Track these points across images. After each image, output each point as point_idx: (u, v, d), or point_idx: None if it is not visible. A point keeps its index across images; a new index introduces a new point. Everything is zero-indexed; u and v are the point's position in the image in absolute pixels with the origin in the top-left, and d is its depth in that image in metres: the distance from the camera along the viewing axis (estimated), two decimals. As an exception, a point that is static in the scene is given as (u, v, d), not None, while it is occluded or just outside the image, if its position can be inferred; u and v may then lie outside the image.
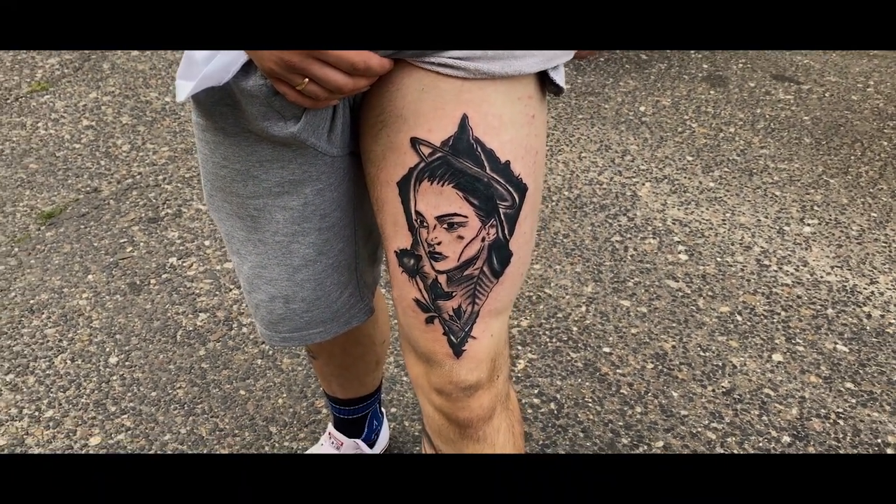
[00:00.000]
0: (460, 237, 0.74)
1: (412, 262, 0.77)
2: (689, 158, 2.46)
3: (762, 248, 2.05)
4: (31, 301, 1.76)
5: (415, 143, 0.71)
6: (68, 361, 1.61)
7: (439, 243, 0.74)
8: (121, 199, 2.11)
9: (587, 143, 2.52)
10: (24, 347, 1.64)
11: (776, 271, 1.97)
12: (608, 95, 2.83)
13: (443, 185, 0.72)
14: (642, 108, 2.75)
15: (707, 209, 2.21)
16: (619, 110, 2.73)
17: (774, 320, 1.81)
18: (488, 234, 0.74)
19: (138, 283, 1.83)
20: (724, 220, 2.17)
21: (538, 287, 1.89)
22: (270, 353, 1.64)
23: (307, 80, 0.66)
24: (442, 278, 0.76)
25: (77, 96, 2.59)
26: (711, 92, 2.88)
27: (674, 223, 2.15)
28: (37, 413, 1.50)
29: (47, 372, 1.59)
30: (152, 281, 1.84)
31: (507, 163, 0.72)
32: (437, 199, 0.72)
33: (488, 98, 0.70)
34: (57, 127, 2.42)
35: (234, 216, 0.87)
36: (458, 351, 0.81)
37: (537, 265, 1.96)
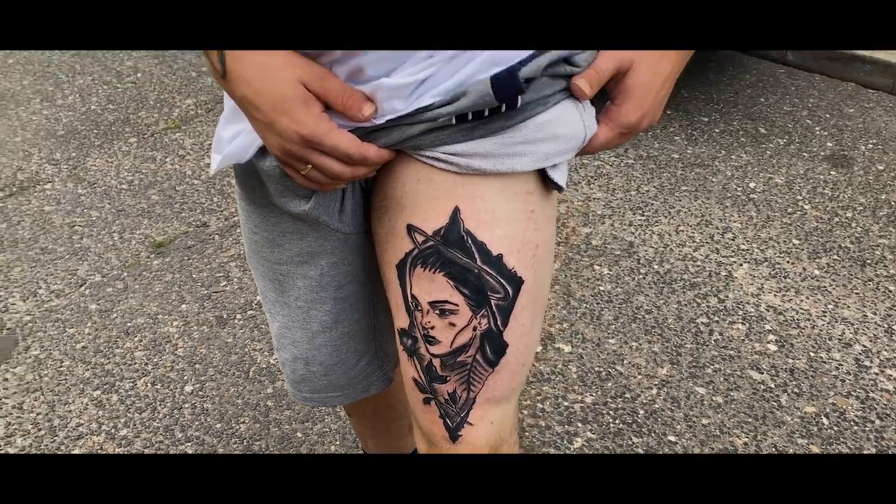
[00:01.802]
0: (452, 324, 0.75)
1: (410, 342, 0.79)
2: (796, 242, 2.33)
3: (864, 346, 1.90)
4: (129, 324, 1.91)
5: (410, 229, 0.73)
6: (149, 385, 1.74)
7: (433, 328, 0.76)
8: (225, 234, 2.26)
9: (687, 217, 2.44)
10: (114, 367, 1.78)
11: (877, 374, 1.81)
12: (717, 168, 2.74)
13: (434, 273, 0.73)
14: (752, 185, 2.64)
15: (807, 298, 2.08)
16: (726, 185, 2.63)
17: (867, 428, 1.66)
18: (480, 323, 0.75)
19: (225, 316, 1.95)
20: (824, 311, 2.03)
21: (609, 363, 1.84)
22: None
23: (309, 166, 0.70)
24: (436, 362, 0.77)
25: (204, 135, 2.82)
26: (832, 172, 2.72)
27: (768, 310, 2.03)
28: (113, 430, 1.62)
29: (129, 392, 1.71)
30: (238, 316, 1.95)
31: (500, 256, 0.72)
32: (430, 286, 0.74)
33: (481, 193, 0.71)
34: (182, 163, 2.63)
35: (266, 278, 0.92)
36: (453, 436, 0.81)
37: (612, 340, 1.91)
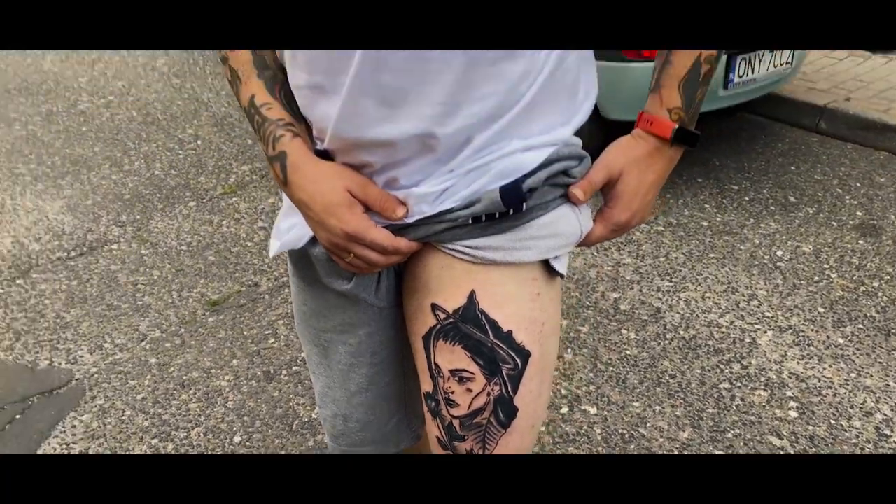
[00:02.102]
0: (469, 389, 0.87)
1: (433, 404, 0.91)
2: (821, 310, 2.39)
3: (885, 415, 1.95)
4: (185, 377, 2.07)
5: (434, 308, 0.86)
6: (201, 435, 1.88)
7: (452, 392, 0.88)
8: (274, 294, 2.43)
9: (714, 284, 2.53)
10: (170, 417, 1.94)
11: (897, 443, 1.86)
12: (746, 236, 2.82)
13: (454, 345, 0.86)
14: (780, 253, 2.72)
15: (830, 366, 2.14)
16: (754, 252, 2.72)
17: (885, 496, 1.71)
18: (493, 389, 0.87)
19: (272, 372, 2.09)
20: (847, 379, 2.08)
21: (633, 425, 1.93)
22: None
23: (352, 255, 0.84)
24: (456, 422, 0.90)
25: (258, 200, 3.02)
26: (860, 241, 2.78)
27: (790, 377, 2.10)
28: (168, 476, 1.76)
29: (183, 441, 1.86)
30: (283, 372, 2.10)
31: (510, 332, 0.85)
32: (451, 356, 0.87)
33: (494, 279, 0.84)
34: (237, 226, 2.83)
35: (312, 343, 1.06)
36: (472, 488, 0.93)
37: (637, 403, 2.00)
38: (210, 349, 2.17)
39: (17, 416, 1.93)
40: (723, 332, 2.29)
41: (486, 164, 0.80)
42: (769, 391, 2.05)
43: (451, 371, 0.87)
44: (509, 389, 0.87)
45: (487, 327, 0.85)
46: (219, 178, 3.20)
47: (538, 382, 0.90)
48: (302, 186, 0.83)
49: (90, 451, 1.83)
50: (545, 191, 0.82)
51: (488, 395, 0.88)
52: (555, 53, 0.79)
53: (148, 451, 1.83)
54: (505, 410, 0.88)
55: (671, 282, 2.54)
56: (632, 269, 2.61)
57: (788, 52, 3.28)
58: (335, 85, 0.77)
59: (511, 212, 0.81)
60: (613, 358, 2.17)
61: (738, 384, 2.07)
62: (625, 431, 1.91)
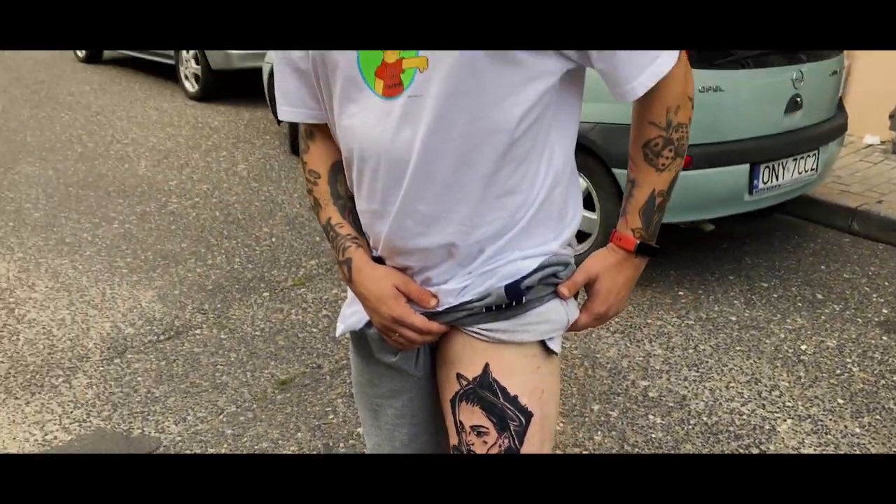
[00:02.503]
0: (485, 441, 1.14)
1: (459, 454, 1.18)
2: (841, 401, 2.55)
3: (896, 500, 2.08)
4: (256, 446, 2.36)
5: (458, 377, 1.14)
6: None
7: (472, 444, 1.15)
8: (335, 375, 2.72)
9: (738, 374, 2.71)
10: (242, 480, 2.22)
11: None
12: (772, 331, 3.01)
13: (473, 406, 1.13)
14: (804, 347, 2.89)
15: (847, 453, 2.29)
16: (779, 346, 2.90)
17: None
18: (503, 442, 1.13)
19: (331, 444, 2.36)
20: (861, 466, 2.23)
21: (654, 501, 2.11)
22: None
23: (397, 334, 1.14)
24: (475, 467, 1.16)
25: (323, 291, 3.37)
26: (884, 337, 2.94)
27: (806, 462, 2.25)
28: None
29: None
30: (341, 444, 2.36)
31: (516, 396, 1.12)
32: (471, 414, 1.14)
33: (503, 354, 1.12)
34: (304, 314, 3.17)
35: (366, 408, 1.35)
36: (489, 525, 1.18)
37: (659, 481, 2.19)
38: (278, 423, 2.46)
39: (114, 476, 2.24)
40: (744, 419, 2.46)
41: (495, 269, 1.09)
42: (785, 474, 2.20)
43: (472, 426, 1.14)
44: (516, 442, 1.13)
45: (498, 392, 1.12)
46: (289, 271, 3.57)
47: (539, 437, 1.16)
48: (362, 283, 1.14)
49: (174, 508, 2.11)
50: (539, 288, 1.11)
51: (500, 446, 1.14)
52: (545, 189, 1.09)
53: (223, 510, 2.10)
54: (513, 458, 1.14)
55: (698, 372, 2.73)
56: (661, 359, 2.82)
57: (813, 158, 3.53)
58: (386, 211, 1.09)
59: (514, 304, 1.09)
60: (639, 440, 2.37)
61: (756, 467, 2.24)
62: (646, 506, 2.09)
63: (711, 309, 3.20)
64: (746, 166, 3.22)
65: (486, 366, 1.12)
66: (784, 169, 3.41)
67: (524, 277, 1.10)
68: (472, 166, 1.04)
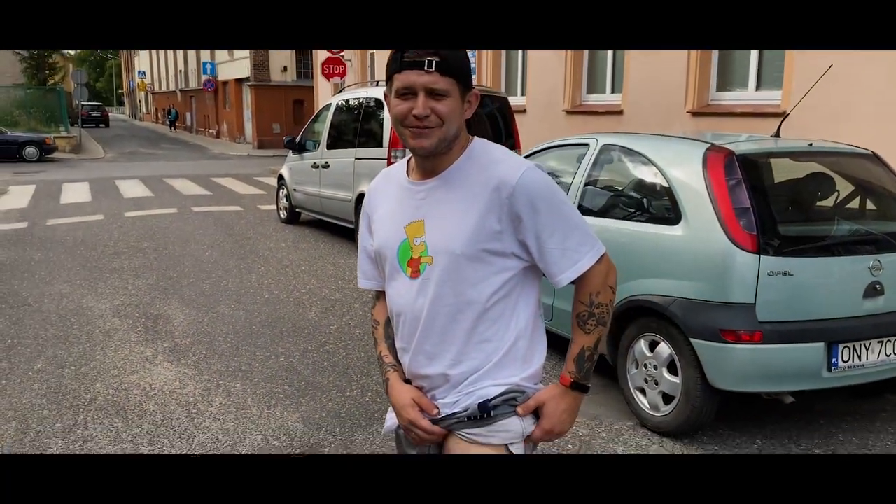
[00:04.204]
0: None
1: None
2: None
3: None
4: None
5: (450, 462, 1.68)
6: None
7: None
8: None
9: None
10: None
11: None
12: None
13: (456, 486, 1.66)
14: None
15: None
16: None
17: None
18: None
19: None
20: None
21: None
22: None
23: (413, 432, 1.71)
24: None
25: (434, 427, 3.95)
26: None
27: None
28: None
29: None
30: None
31: (484, 481, 1.64)
32: (455, 492, 1.66)
33: (479, 451, 1.65)
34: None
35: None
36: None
37: None
38: None
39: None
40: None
41: (474, 391, 1.66)
42: None
43: (457, 500, 1.66)
44: None
45: None
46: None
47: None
48: (392, 395, 1.74)
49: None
50: (503, 407, 1.65)
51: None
52: (510, 340, 1.66)
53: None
54: None
55: None
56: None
57: (903, 343, 3.69)
58: (409, 348, 1.71)
59: (484, 416, 1.64)
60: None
61: None
62: None
63: (786, 477, 3.37)
64: (822, 344, 3.47)
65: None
66: (868, 350, 3.60)
67: (492, 398, 1.65)
68: (459, 323, 1.64)
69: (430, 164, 1.63)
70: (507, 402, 1.66)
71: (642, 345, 3.89)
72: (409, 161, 1.72)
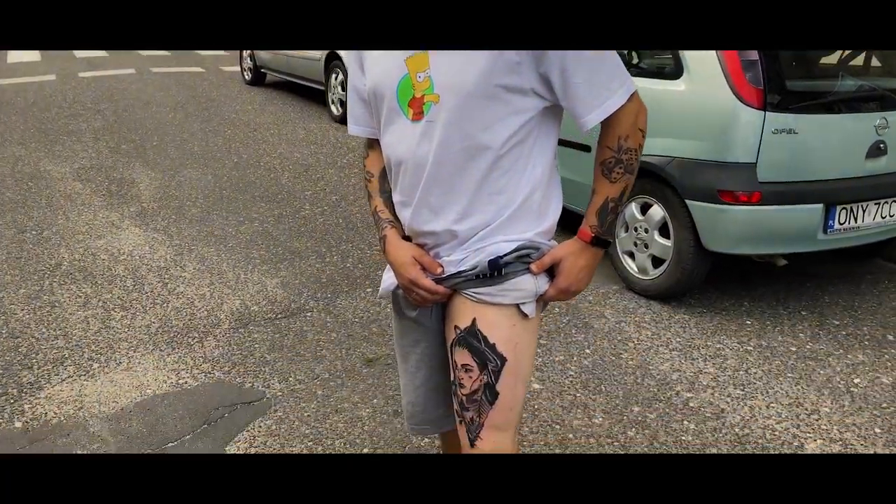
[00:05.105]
0: (470, 377, 1.52)
1: (454, 387, 1.57)
2: (878, 431, 2.68)
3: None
4: (338, 406, 2.83)
5: (455, 328, 1.54)
6: (342, 445, 2.61)
7: (461, 379, 1.54)
8: (414, 360, 3.16)
9: (782, 397, 2.89)
10: (324, 430, 2.69)
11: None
12: (829, 363, 3.14)
13: (463, 349, 1.52)
14: (857, 381, 3.01)
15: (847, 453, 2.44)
16: (831, 377, 3.03)
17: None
18: (483, 378, 1.51)
19: (399, 411, 2.79)
20: (878, 487, 2.37)
21: (669, 490, 2.37)
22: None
23: (414, 293, 1.55)
24: (464, 398, 1.54)
25: (418, 292, 3.84)
26: (944, 380, 2.99)
27: (825, 477, 2.43)
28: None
29: (328, 448, 2.59)
30: (408, 414, 2.79)
31: (494, 344, 1.50)
32: (461, 356, 1.53)
33: (487, 312, 1.50)
34: (398, 309, 3.65)
35: (398, 356, 1.77)
36: (472, 443, 1.56)
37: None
38: (360, 391, 2.93)
39: (226, 415, 2.78)
40: (774, 435, 2.66)
41: (483, 248, 1.49)
42: (800, 484, 2.39)
43: (462, 365, 1.53)
44: (493, 379, 1.51)
45: (481, 340, 1.51)
46: (392, 273, 4.08)
47: (513, 378, 1.52)
48: (390, 253, 1.57)
49: (266, 444, 2.61)
50: (515, 264, 1.49)
51: (481, 381, 1.52)
52: (525, 192, 1.47)
53: (304, 451, 2.58)
54: (491, 392, 1.52)
55: (743, 391, 2.94)
56: (711, 376, 3.04)
57: (899, 205, 3.60)
58: (410, 202, 1.52)
59: (495, 274, 1.48)
60: (669, 440, 2.63)
61: (774, 475, 2.44)
62: (660, 493, 2.36)
63: (774, 338, 3.36)
64: (820, 206, 3.37)
65: (474, 319, 1.51)
66: (864, 212, 3.51)
67: (504, 255, 1.48)
68: (468, 172, 1.44)
69: None
70: (520, 259, 1.49)
71: (633, 208, 3.76)
72: None
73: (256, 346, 3.29)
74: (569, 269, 1.51)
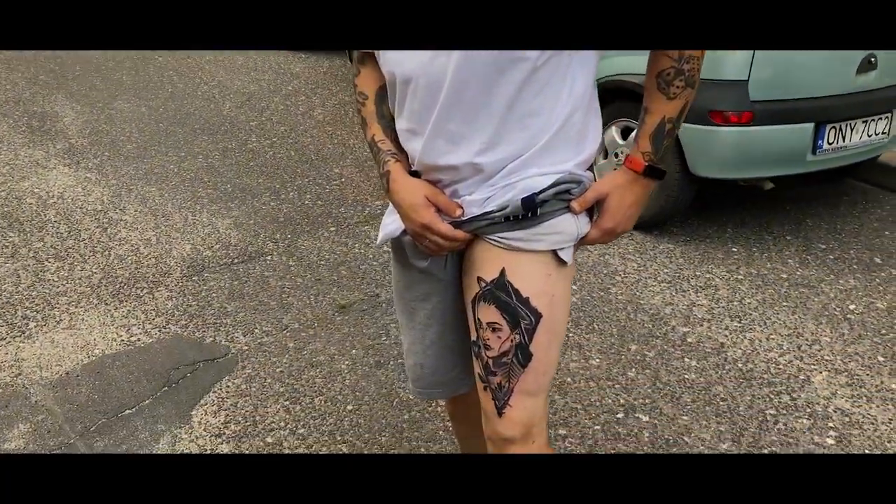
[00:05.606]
0: (499, 337, 1.28)
1: (476, 349, 1.33)
2: (881, 359, 2.58)
3: (920, 451, 2.14)
4: (314, 359, 2.58)
5: (478, 280, 1.29)
6: (323, 402, 2.37)
7: (488, 339, 1.30)
8: (390, 303, 2.92)
9: (780, 328, 2.77)
10: (300, 386, 2.44)
11: (926, 476, 2.05)
12: (822, 290, 3.03)
13: (490, 305, 1.28)
14: (852, 307, 2.91)
15: (878, 407, 2.34)
16: (826, 304, 2.92)
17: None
18: (514, 338, 1.28)
19: (381, 361, 2.57)
20: (891, 419, 2.28)
21: (678, 434, 2.23)
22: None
23: (427, 240, 1.29)
24: (490, 361, 1.31)
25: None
26: (938, 303, 2.92)
27: (836, 411, 2.32)
28: (294, 429, 2.26)
29: (308, 405, 2.36)
30: (391, 363, 2.56)
31: (527, 298, 1.26)
32: (487, 312, 1.28)
33: (519, 260, 1.25)
34: (366, 249, 3.37)
35: (402, 311, 1.51)
36: (500, 412, 1.33)
37: (686, 417, 2.30)
38: (335, 341, 2.68)
39: (188, 375, 2.50)
40: (779, 368, 2.53)
41: (514, 183, 1.23)
42: (812, 420, 2.28)
43: (488, 323, 1.29)
44: (526, 339, 1.28)
45: (512, 293, 1.26)
46: (356, 209, 3.78)
47: (548, 337, 1.29)
48: (397, 192, 1.29)
49: (237, 405, 2.36)
50: (553, 202, 1.24)
51: (511, 341, 1.28)
52: (564, 113, 1.21)
53: (280, 409, 2.33)
54: (523, 354, 1.29)
55: (740, 323, 2.80)
56: (705, 309, 2.89)
57: (885, 122, 3.47)
58: (421, 130, 1.24)
59: (529, 215, 1.23)
60: (672, 380, 2.48)
61: (784, 412, 2.32)
62: (670, 437, 2.21)
63: (763, 266, 3.23)
64: (811, 125, 3.20)
65: (503, 270, 1.26)
66: (852, 131, 3.36)
67: (539, 192, 1.22)
68: (498, 90, 1.17)
69: None
70: (559, 197, 1.24)
71: (613, 132, 3.52)
72: None
73: (214, 295, 2.98)
74: (616, 206, 1.27)
